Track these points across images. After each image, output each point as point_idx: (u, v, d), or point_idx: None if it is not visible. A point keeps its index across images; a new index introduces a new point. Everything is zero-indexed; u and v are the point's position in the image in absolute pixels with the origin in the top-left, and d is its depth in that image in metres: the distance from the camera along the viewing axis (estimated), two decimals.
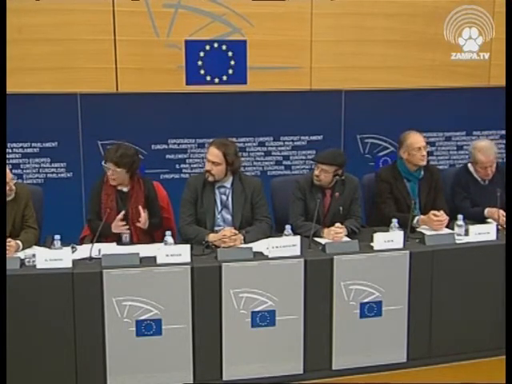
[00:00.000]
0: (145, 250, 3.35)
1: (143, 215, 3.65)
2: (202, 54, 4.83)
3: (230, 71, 4.90)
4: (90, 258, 3.22)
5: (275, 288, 3.24)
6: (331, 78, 5.02)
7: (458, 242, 3.52)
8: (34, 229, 3.57)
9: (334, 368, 3.37)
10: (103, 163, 3.69)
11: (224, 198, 3.72)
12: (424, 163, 4.01)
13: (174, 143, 4.96)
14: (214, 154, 3.66)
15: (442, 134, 5.38)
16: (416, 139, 4.00)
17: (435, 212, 3.79)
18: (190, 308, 3.16)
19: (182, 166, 5.00)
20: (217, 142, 3.72)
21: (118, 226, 3.63)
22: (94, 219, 3.69)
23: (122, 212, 3.64)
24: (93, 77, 4.67)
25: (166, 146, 4.95)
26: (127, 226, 3.65)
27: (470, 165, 4.19)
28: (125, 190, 3.76)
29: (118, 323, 3.12)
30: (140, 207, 3.67)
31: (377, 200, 4.05)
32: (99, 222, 3.49)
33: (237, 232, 3.51)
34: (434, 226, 3.75)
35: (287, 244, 3.30)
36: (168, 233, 3.32)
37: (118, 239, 3.64)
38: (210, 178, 3.69)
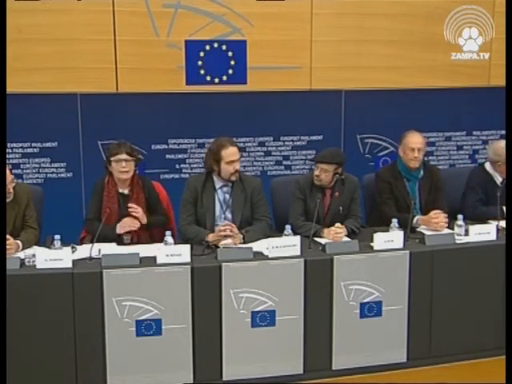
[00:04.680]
0: (145, 250, 3.34)
1: (140, 209, 3.63)
2: (201, 53, 4.83)
3: (230, 71, 4.90)
4: (90, 258, 3.22)
5: (275, 288, 3.23)
6: (331, 78, 5.03)
7: (457, 242, 3.52)
8: (34, 229, 3.56)
9: (334, 368, 3.36)
10: (112, 158, 3.64)
11: (227, 196, 3.72)
12: (414, 166, 3.97)
13: (174, 143, 4.97)
14: (236, 152, 3.68)
15: (442, 134, 5.38)
16: (412, 139, 3.96)
17: (435, 211, 3.79)
18: (190, 308, 3.16)
19: (182, 165, 5.00)
20: (229, 140, 3.73)
21: (127, 223, 3.59)
22: (93, 219, 3.65)
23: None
24: (93, 77, 4.67)
25: (165, 146, 4.95)
26: (138, 223, 3.61)
27: (487, 164, 4.14)
28: (126, 192, 3.74)
29: (118, 323, 3.11)
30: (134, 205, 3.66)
31: (377, 200, 4.04)
32: (98, 224, 3.45)
33: (237, 231, 3.51)
34: (433, 226, 3.74)
35: (287, 244, 3.29)
36: (168, 233, 3.32)
37: (118, 239, 3.63)
38: (237, 177, 3.71)
